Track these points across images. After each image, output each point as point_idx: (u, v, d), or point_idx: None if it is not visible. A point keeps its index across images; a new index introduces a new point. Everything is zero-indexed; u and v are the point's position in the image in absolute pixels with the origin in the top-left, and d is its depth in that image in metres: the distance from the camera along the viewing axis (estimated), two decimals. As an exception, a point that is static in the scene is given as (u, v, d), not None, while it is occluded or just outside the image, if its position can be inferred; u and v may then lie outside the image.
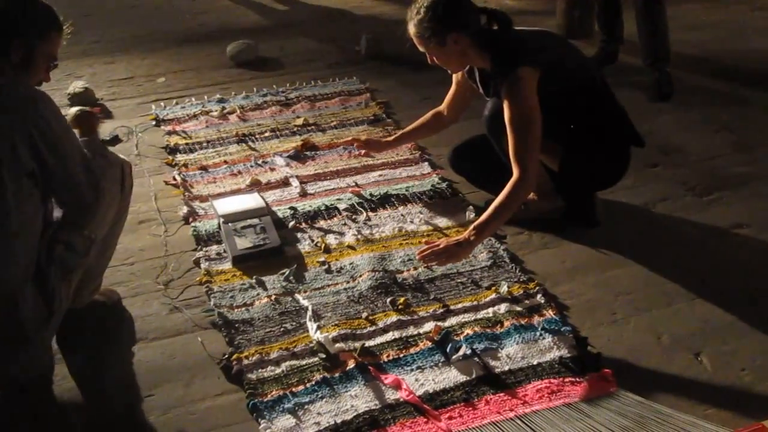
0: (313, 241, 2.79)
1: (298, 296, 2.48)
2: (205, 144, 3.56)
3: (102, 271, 2.38)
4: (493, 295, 2.45)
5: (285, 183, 3.20)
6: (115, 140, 3.28)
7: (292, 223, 2.89)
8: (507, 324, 2.33)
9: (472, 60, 2.62)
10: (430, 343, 2.26)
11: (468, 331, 2.29)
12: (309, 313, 2.38)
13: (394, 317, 2.37)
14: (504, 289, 2.47)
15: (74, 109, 2.40)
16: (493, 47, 2.54)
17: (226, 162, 3.38)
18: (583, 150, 2.68)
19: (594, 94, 2.67)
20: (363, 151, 3.40)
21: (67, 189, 2.05)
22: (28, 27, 2.01)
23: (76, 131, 2.19)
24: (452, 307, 2.41)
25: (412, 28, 2.56)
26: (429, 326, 2.33)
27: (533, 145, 2.45)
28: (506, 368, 2.15)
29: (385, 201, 3.03)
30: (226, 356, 2.22)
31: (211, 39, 5.07)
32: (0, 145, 1.90)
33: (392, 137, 3.26)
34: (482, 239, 2.46)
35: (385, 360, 2.20)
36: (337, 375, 2.14)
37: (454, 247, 2.38)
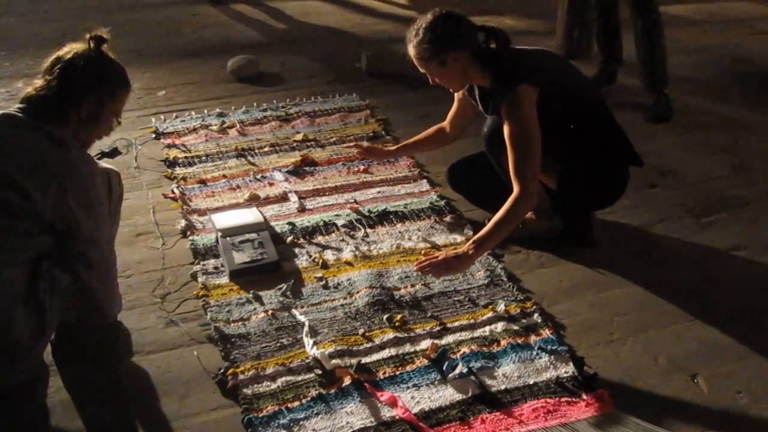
0: (310, 256, 2.79)
1: (294, 312, 2.47)
2: (204, 158, 3.56)
3: None
4: (490, 314, 2.45)
5: (283, 198, 3.20)
6: (115, 153, 3.29)
7: (290, 239, 2.89)
8: (503, 343, 2.32)
9: (473, 78, 2.63)
10: (426, 361, 2.25)
11: (464, 349, 2.29)
12: (305, 328, 2.37)
13: (390, 334, 2.36)
14: (501, 307, 2.47)
15: None
16: (493, 65, 2.55)
17: (224, 176, 3.38)
18: (581, 169, 2.69)
19: (593, 113, 2.68)
20: (362, 168, 3.41)
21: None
22: (102, 86, 2.10)
23: None
24: (449, 325, 2.41)
25: (412, 50, 2.56)
26: (425, 344, 2.32)
27: (533, 162, 2.46)
28: (502, 387, 2.15)
29: (383, 218, 3.03)
30: (222, 371, 2.22)
31: (211, 53, 5.08)
32: (23, 185, 1.95)
33: (394, 147, 3.26)
34: (481, 254, 2.46)
35: (381, 377, 2.19)
36: (332, 391, 2.13)
37: (452, 259, 2.37)
